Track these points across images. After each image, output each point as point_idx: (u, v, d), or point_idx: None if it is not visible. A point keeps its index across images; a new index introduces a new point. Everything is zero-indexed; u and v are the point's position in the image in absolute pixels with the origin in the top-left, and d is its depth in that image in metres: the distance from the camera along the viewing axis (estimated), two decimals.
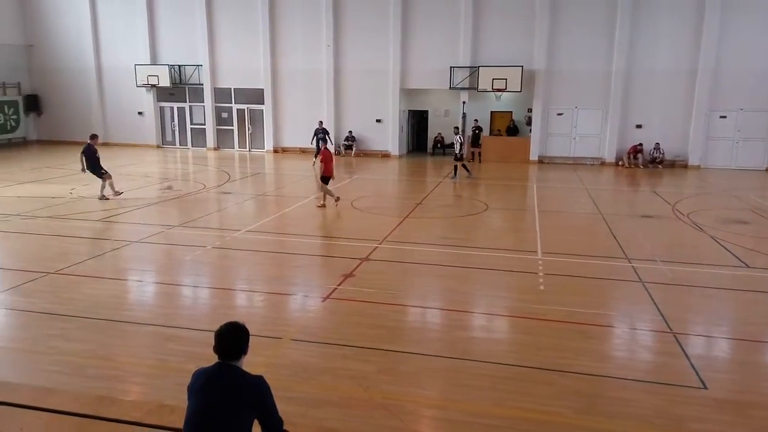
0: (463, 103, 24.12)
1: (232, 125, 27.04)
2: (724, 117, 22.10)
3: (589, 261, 9.85)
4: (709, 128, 22.26)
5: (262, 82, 25.86)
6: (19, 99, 28.01)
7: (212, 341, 3.20)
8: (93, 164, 14.64)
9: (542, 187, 18.26)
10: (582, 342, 6.59)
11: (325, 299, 7.83)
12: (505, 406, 5.18)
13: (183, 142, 27.84)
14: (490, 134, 25.70)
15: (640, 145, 22.54)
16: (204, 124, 27.27)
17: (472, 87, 23.42)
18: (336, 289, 8.20)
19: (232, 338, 3.20)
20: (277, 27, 25.26)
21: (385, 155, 25.30)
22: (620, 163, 23.10)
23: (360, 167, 22.29)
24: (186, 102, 27.41)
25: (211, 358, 3.24)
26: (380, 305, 7.59)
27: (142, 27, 26.61)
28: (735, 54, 21.38)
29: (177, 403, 4.40)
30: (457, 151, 19.44)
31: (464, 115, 24.21)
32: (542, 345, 6.46)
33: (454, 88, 23.81)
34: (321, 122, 22.99)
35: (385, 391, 5.39)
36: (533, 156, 23.93)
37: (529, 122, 24.60)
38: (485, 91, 23.20)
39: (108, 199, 14.39)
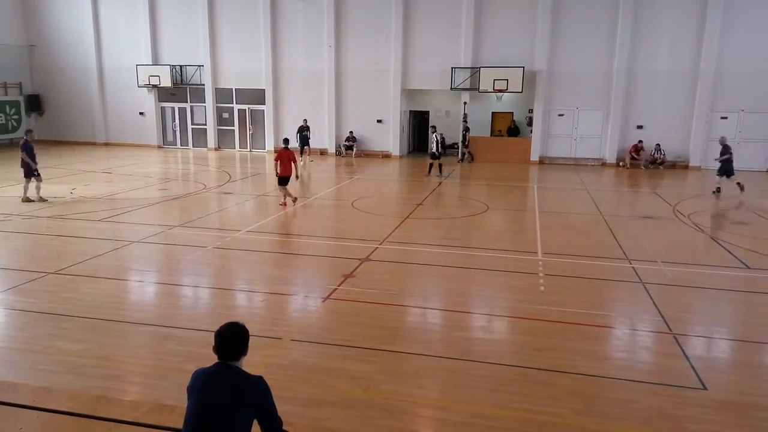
0: (464, 103, 24.14)
1: (233, 125, 27.07)
2: (725, 118, 22.09)
3: (590, 262, 9.84)
4: (710, 129, 22.25)
5: (263, 82, 25.88)
6: (21, 99, 28.06)
7: (212, 341, 3.21)
8: (29, 162, 13.90)
9: (543, 187, 18.25)
10: (582, 343, 6.58)
11: (325, 299, 7.83)
12: (505, 407, 5.18)
13: (184, 143, 27.87)
14: (491, 135, 25.72)
15: (641, 142, 22.54)
16: (205, 125, 27.30)
17: (473, 88, 23.43)
18: (336, 289, 8.20)
19: (232, 338, 3.20)
20: (278, 27, 25.29)
21: (386, 156, 25.31)
22: (621, 163, 23.11)
23: (361, 168, 22.30)
24: (187, 102, 27.45)
25: (210, 359, 3.24)
26: (380, 306, 7.59)
27: (144, 27, 26.65)
28: (736, 55, 21.37)
29: (176, 404, 4.41)
30: (434, 150, 19.78)
31: (465, 116, 24.21)
32: (542, 346, 6.45)
33: (456, 89, 23.82)
34: (305, 120, 23.00)
35: (385, 392, 5.39)
36: (534, 157, 23.94)
37: (530, 123, 24.60)
38: (486, 91, 23.22)
39: (32, 201, 13.90)
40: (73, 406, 4.47)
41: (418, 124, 28.30)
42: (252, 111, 26.66)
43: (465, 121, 24.42)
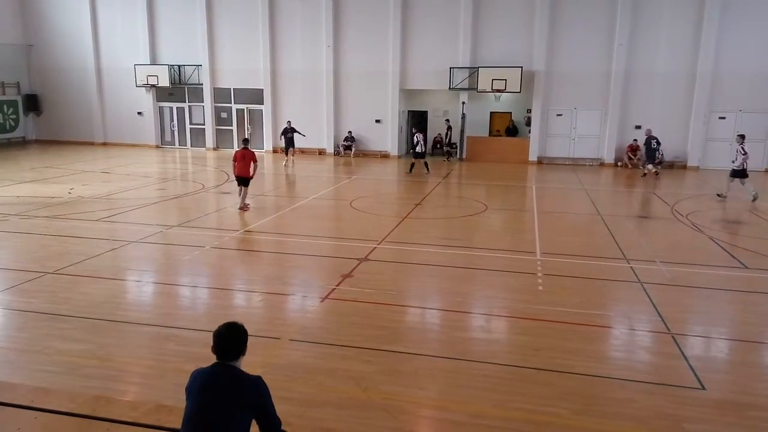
0: (463, 103, 24.16)
1: (232, 125, 27.05)
2: (723, 118, 22.13)
3: (588, 261, 9.85)
4: (708, 129, 22.29)
5: (261, 82, 25.87)
6: (19, 99, 28.01)
7: (211, 341, 3.20)
8: None
9: (541, 187, 18.27)
10: (580, 343, 6.59)
11: (323, 299, 7.82)
12: (504, 407, 5.18)
13: (182, 142, 27.85)
14: (490, 135, 25.74)
15: (635, 141, 22.60)
16: (203, 124, 27.28)
17: (472, 87, 23.43)
18: (335, 289, 8.20)
19: (231, 338, 3.20)
20: (276, 27, 25.28)
21: (385, 156, 25.31)
22: (619, 164, 23.14)
23: (359, 167, 22.30)
24: (185, 102, 27.43)
25: (209, 359, 3.24)
26: (379, 305, 7.58)
27: (142, 27, 26.62)
28: (734, 55, 21.41)
29: (175, 404, 4.40)
30: (418, 149, 20.31)
31: (464, 116, 24.23)
32: (541, 345, 6.46)
33: (454, 89, 23.83)
34: (289, 122, 22.97)
35: (384, 392, 5.39)
36: (532, 157, 23.96)
37: (528, 123, 24.62)
38: (485, 91, 23.22)
39: None
40: (71, 406, 4.46)
41: (417, 124, 28.30)
42: (250, 111, 26.64)
43: (447, 120, 24.55)
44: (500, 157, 24.24)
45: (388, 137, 25.30)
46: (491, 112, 25.89)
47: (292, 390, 5.34)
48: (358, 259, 9.61)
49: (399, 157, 25.29)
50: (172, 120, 27.88)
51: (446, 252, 10.33)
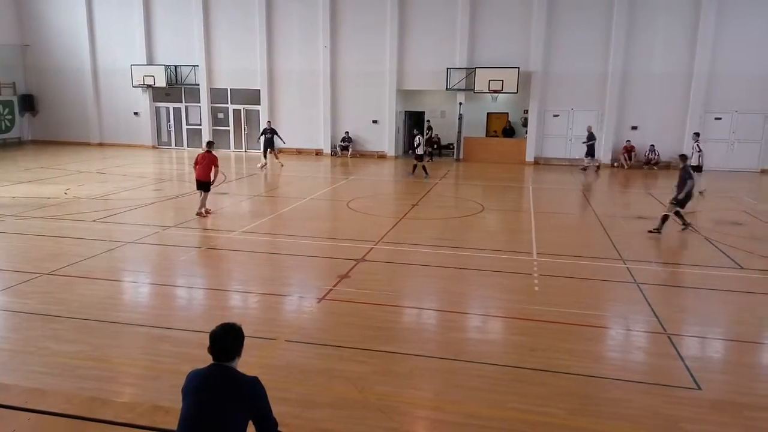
0: (460, 104, 24.17)
1: (229, 126, 27.02)
2: (719, 119, 22.21)
3: (584, 262, 9.86)
4: (704, 130, 22.33)
5: (258, 82, 25.85)
6: (15, 99, 27.92)
7: (207, 342, 3.19)
8: None
9: (538, 188, 18.29)
10: (576, 343, 6.60)
11: (320, 300, 7.82)
12: (500, 407, 5.18)
13: (179, 143, 27.79)
14: (487, 135, 25.78)
15: (628, 142, 22.69)
16: (200, 125, 27.24)
17: (469, 88, 23.47)
18: (331, 290, 8.19)
19: (227, 339, 3.19)
20: (273, 27, 25.26)
21: (381, 156, 25.32)
22: (615, 164, 23.19)
23: (356, 168, 22.29)
24: (182, 102, 27.38)
25: (205, 360, 3.23)
26: (376, 306, 7.58)
27: (139, 27, 26.56)
28: (730, 56, 21.49)
29: (171, 405, 4.38)
30: (419, 151, 19.63)
31: (461, 116, 24.25)
32: (537, 346, 6.46)
33: (451, 90, 23.85)
34: (269, 122, 22.83)
35: (380, 392, 5.39)
36: (529, 157, 23.99)
37: (525, 123, 24.65)
38: (482, 92, 23.26)
39: None
40: (66, 407, 4.44)
41: (414, 124, 28.32)
42: (247, 111, 26.61)
43: (427, 121, 24.36)
44: (497, 158, 24.26)
45: (385, 138, 25.30)
46: (488, 113, 25.95)
47: (288, 391, 5.34)
48: (354, 260, 9.60)
49: (396, 157, 25.29)
50: (168, 120, 27.82)
51: (443, 252, 10.34)
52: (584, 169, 21.87)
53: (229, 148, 27.00)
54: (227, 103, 26.76)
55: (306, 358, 6.09)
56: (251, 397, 3.13)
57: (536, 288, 8.45)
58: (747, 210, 14.90)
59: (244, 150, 26.84)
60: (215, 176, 12.85)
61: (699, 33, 21.54)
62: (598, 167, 22.18)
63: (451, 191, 18.17)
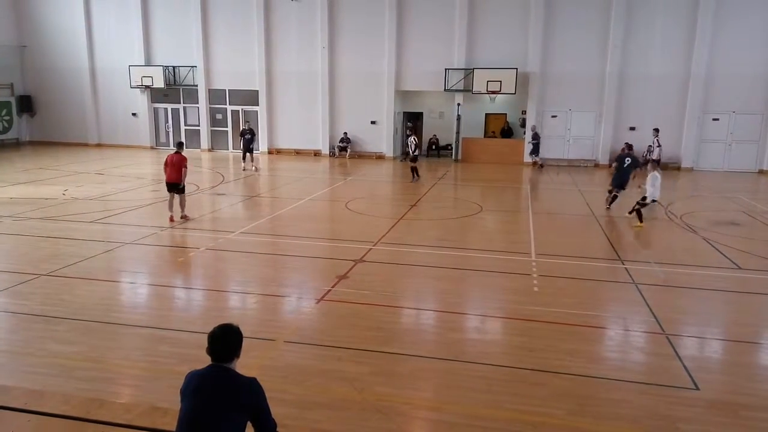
0: (458, 105, 24.20)
1: (227, 127, 27.00)
2: (717, 119, 22.27)
3: (583, 262, 9.88)
4: (701, 131, 22.41)
5: (257, 83, 25.84)
6: (12, 100, 27.88)
7: (205, 343, 3.19)
8: None
9: (536, 189, 18.30)
10: (575, 343, 6.60)
11: (319, 301, 7.82)
12: (499, 408, 5.19)
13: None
14: (485, 136, 25.80)
15: (626, 144, 22.62)
16: (198, 126, 27.22)
17: (467, 89, 23.50)
18: (330, 290, 8.19)
19: (226, 340, 3.19)
20: (271, 28, 25.26)
21: (380, 157, 25.32)
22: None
23: (354, 169, 22.30)
24: (180, 103, 27.36)
25: (204, 361, 3.23)
26: (374, 307, 7.58)
27: (137, 28, 26.55)
28: (727, 57, 21.55)
29: (169, 406, 4.38)
30: (411, 153, 19.26)
31: (459, 117, 24.27)
32: (536, 346, 6.47)
33: (449, 90, 23.87)
34: (248, 122, 22.54)
35: (379, 393, 5.39)
36: (527, 158, 24.01)
37: (523, 124, 24.68)
38: (480, 93, 23.30)
39: None
40: (65, 408, 4.44)
41: (411, 126, 28.32)
42: (245, 112, 26.60)
43: (409, 122, 23.92)
44: (495, 159, 24.29)
45: (383, 138, 25.31)
46: (486, 114, 26.00)
47: (287, 392, 5.34)
48: (353, 261, 9.60)
49: (394, 158, 25.30)
50: (166, 121, 27.80)
51: (441, 253, 10.34)
52: (541, 166, 22.79)
53: (228, 149, 26.97)
54: (225, 104, 26.75)
55: (305, 359, 6.09)
56: (250, 398, 3.13)
57: (535, 288, 8.45)
58: (745, 210, 14.92)
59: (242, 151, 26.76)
60: (185, 177, 12.46)
61: (697, 34, 21.59)
62: (542, 165, 22.95)
63: (449, 192, 18.18)
